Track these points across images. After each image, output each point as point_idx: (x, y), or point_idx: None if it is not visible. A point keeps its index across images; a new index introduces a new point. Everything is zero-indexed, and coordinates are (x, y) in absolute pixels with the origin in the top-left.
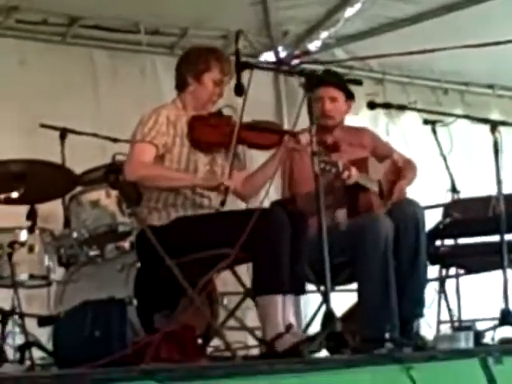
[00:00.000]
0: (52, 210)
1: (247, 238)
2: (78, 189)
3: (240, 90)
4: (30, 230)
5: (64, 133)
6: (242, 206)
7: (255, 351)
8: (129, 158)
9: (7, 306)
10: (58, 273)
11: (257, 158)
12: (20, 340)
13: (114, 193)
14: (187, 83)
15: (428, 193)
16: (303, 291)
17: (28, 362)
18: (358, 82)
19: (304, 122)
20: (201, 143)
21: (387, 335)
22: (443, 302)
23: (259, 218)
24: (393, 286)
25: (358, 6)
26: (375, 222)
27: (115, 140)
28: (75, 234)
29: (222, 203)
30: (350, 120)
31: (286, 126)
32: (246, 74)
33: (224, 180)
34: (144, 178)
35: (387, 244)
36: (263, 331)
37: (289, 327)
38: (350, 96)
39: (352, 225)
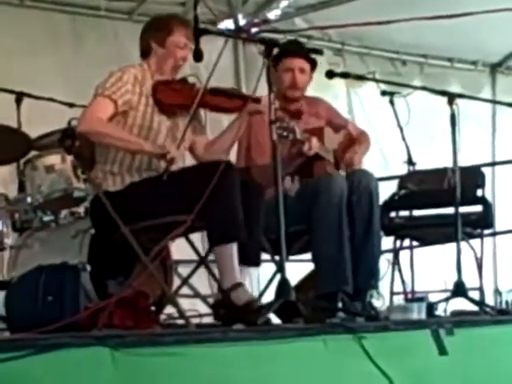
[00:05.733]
0: (7, 174)
1: (199, 194)
2: (33, 153)
3: (199, 56)
4: None
5: (20, 97)
6: None
7: (208, 319)
8: (87, 110)
9: None
10: (12, 238)
11: (223, 121)
12: None
13: (70, 158)
14: (151, 48)
15: (384, 164)
16: (258, 263)
17: None
18: (319, 52)
19: (263, 90)
20: (163, 105)
21: (340, 305)
22: (397, 274)
23: (211, 174)
24: (347, 247)
25: None
26: (329, 180)
27: (71, 105)
28: (29, 199)
29: (162, 174)
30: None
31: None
32: (205, 42)
33: (171, 150)
34: (96, 134)
35: (341, 201)
36: (220, 281)
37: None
38: (313, 68)
39: (306, 185)
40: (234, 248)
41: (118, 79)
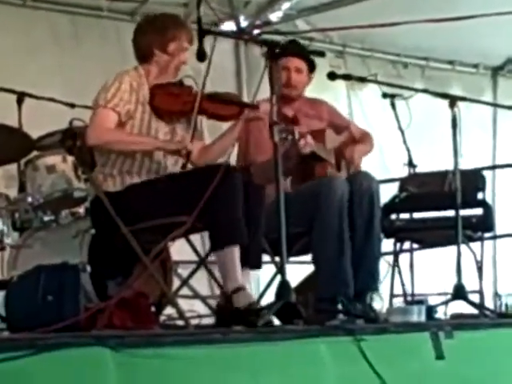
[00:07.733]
0: (7, 174)
1: (200, 197)
2: (34, 153)
3: (202, 56)
4: None
5: (21, 97)
6: None
7: (208, 320)
8: (92, 123)
9: None
10: (12, 237)
11: (221, 126)
12: None
13: (71, 158)
14: (153, 54)
15: (385, 166)
16: (259, 266)
17: None
18: (321, 54)
19: (264, 90)
20: (162, 111)
21: (340, 307)
22: (397, 276)
23: (212, 177)
24: (348, 249)
25: None
26: (330, 182)
27: (72, 105)
28: (30, 199)
29: (183, 167)
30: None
31: (245, 94)
32: (206, 43)
33: (186, 144)
34: (107, 143)
35: (342, 203)
36: (223, 285)
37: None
38: (312, 69)
39: (307, 187)
40: (235, 251)
41: (118, 89)
